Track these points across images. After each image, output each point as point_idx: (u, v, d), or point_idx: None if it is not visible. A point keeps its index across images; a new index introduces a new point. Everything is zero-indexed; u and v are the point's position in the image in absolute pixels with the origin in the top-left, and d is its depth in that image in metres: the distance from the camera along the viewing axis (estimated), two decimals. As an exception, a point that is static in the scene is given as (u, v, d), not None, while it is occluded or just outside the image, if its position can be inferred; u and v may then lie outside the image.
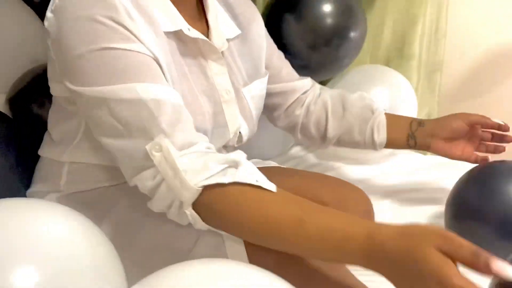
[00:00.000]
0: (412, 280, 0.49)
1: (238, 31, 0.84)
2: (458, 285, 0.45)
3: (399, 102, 1.29)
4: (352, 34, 1.15)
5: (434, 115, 1.54)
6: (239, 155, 0.62)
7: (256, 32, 0.88)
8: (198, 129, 0.66)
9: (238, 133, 0.81)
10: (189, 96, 0.70)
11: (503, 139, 0.93)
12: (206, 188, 0.59)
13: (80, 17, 0.62)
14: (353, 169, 1.32)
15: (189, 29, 0.71)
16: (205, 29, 0.78)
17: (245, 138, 0.83)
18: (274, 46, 0.95)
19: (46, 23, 0.66)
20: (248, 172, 0.60)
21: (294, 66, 0.97)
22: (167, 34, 0.69)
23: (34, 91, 1.03)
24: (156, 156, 0.59)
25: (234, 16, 0.85)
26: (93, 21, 0.61)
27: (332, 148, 1.35)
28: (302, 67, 1.06)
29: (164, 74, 0.65)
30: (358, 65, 1.40)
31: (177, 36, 0.71)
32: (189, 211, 0.61)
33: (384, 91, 1.28)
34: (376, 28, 1.39)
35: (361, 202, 0.92)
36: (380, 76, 1.32)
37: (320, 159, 1.37)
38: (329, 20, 1.13)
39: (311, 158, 1.37)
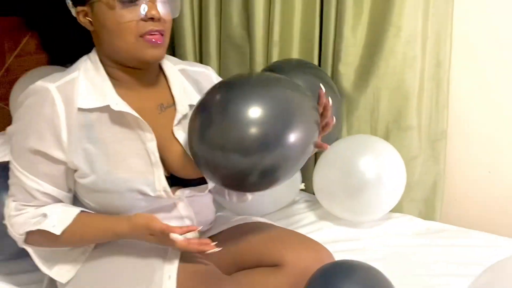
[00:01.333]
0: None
1: None
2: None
3: (385, 170, 1.41)
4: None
5: (441, 183, 1.61)
6: (51, 209, 0.97)
7: None
8: (126, 184, 0.97)
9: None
10: (119, 157, 0.97)
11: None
12: (27, 233, 0.97)
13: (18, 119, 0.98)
14: (343, 231, 1.45)
15: (116, 104, 0.97)
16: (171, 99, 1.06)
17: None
18: None
19: None
20: (51, 221, 0.96)
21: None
22: (98, 109, 0.97)
23: None
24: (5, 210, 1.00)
25: (200, 90, 1.10)
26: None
27: (328, 209, 1.50)
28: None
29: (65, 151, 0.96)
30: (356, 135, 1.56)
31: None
32: (25, 246, 1.00)
33: (370, 160, 1.40)
34: (372, 104, 1.54)
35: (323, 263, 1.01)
36: (368, 145, 1.45)
37: (316, 218, 1.53)
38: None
39: (308, 216, 1.54)
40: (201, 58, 1.83)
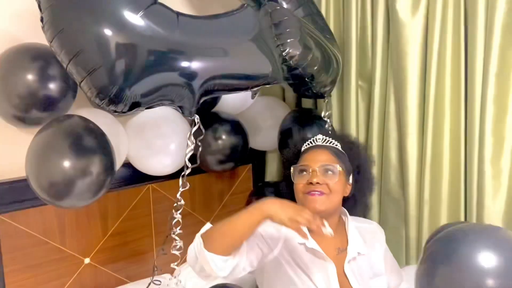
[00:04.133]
0: None
1: (366, 251, 1.53)
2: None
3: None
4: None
5: None
6: None
7: (376, 255, 1.57)
8: None
9: None
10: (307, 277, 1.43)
11: None
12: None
13: None
14: None
15: (310, 243, 1.44)
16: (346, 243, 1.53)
17: None
18: (391, 267, 1.63)
19: None
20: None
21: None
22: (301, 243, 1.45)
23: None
24: None
25: (364, 240, 1.55)
26: None
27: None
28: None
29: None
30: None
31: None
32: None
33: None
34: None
35: None
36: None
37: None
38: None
39: None
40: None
